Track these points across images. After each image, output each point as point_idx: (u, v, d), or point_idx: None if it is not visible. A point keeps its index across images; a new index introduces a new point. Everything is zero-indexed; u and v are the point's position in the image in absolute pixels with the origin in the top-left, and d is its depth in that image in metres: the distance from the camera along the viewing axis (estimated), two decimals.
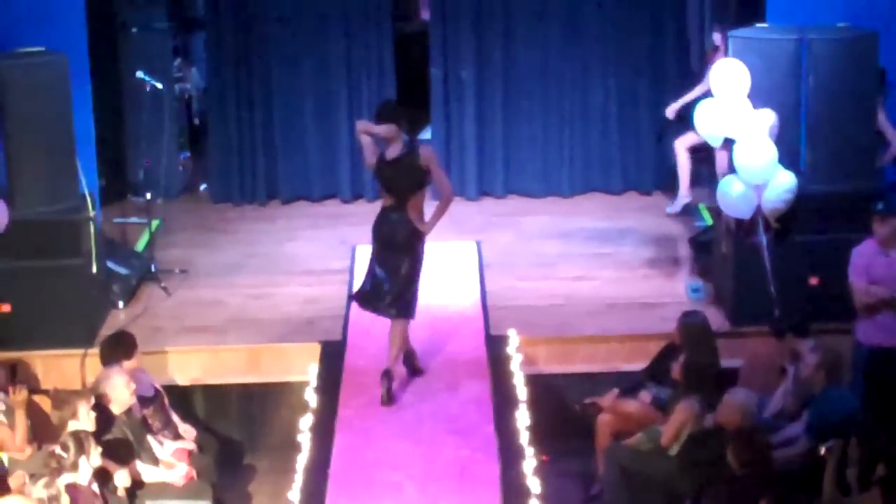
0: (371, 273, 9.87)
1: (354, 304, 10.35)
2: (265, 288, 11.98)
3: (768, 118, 10.48)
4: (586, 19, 13.96)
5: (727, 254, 10.98)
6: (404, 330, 9.91)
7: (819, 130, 10.47)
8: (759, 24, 11.64)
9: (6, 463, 9.44)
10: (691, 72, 15.84)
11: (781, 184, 10.39)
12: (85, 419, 8.90)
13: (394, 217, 9.70)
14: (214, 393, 10.79)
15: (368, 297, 9.89)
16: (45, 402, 10.08)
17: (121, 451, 9.09)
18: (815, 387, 9.25)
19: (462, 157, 14.18)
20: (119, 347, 9.77)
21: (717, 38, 13.16)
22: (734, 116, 10.41)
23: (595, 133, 14.19)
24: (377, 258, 9.83)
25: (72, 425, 8.84)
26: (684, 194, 13.51)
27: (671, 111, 13.33)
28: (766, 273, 10.49)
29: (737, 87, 10.44)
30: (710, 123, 10.68)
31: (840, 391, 9.29)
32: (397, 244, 9.72)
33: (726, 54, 12.74)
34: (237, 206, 14.29)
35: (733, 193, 10.46)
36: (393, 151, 9.65)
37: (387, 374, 9.77)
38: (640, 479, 9.40)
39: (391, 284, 9.77)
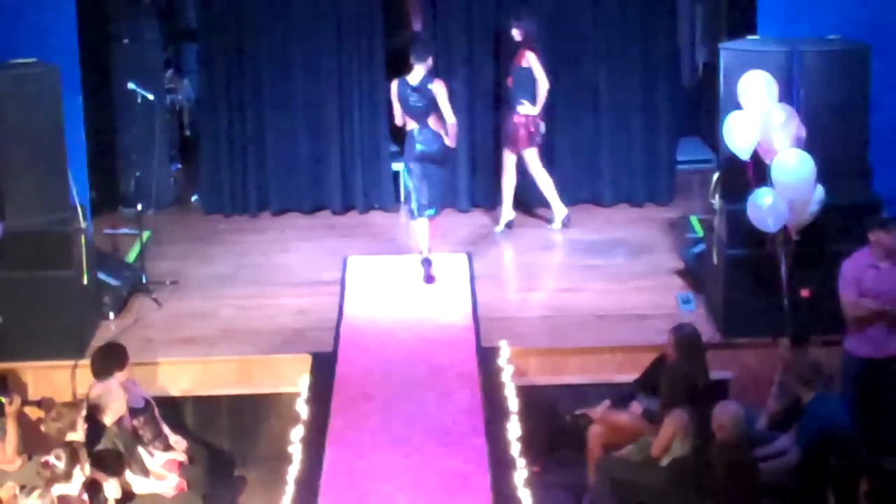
0: (416, 189, 12.00)
1: (346, 316, 10.94)
2: (256, 299, 11.96)
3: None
4: (577, 33, 13.97)
5: (718, 266, 10.98)
6: (436, 224, 12.14)
7: (810, 142, 10.45)
8: (750, 37, 11.65)
9: None
10: (682, 85, 15.90)
11: (813, 197, 10.35)
12: (78, 430, 8.91)
13: (426, 133, 11.89)
14: (205, 404, 10.77)
15: (421, 209, 11.99)
16: (34, 413, 10.06)
17: (111, 462, 9.06)
18: (803, 396, 9.23)
19: (453, 169, 14.15)
20: (112, 359, 9.75)
21: (515, 33, 13.09)
22: (768, 128, 10.33)
23: (586, 145, 14.20)
24: (418, 173, 11.97)
25: (70, 437, 8.84)
26: (509, 209, 13.61)
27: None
28: (781, 285, 10.46)
29: (768, 98, 10.39)
30: (741, 135, 10.48)
31: (829, 402, 9.27)
32: (434, 155, 11.91)
33: (530, 48, 12.80)
34: (228, 218, 14.28)
35: (765, 206, 10.26)
36: (415, 78, 11.81)
37: (427, 260, 12.01)
38: (630, 490, 9.40)
39: (430, 190, 11.94)
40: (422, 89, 11.83)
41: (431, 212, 12.00)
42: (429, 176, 11.97)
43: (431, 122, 11.92)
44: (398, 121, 12.10)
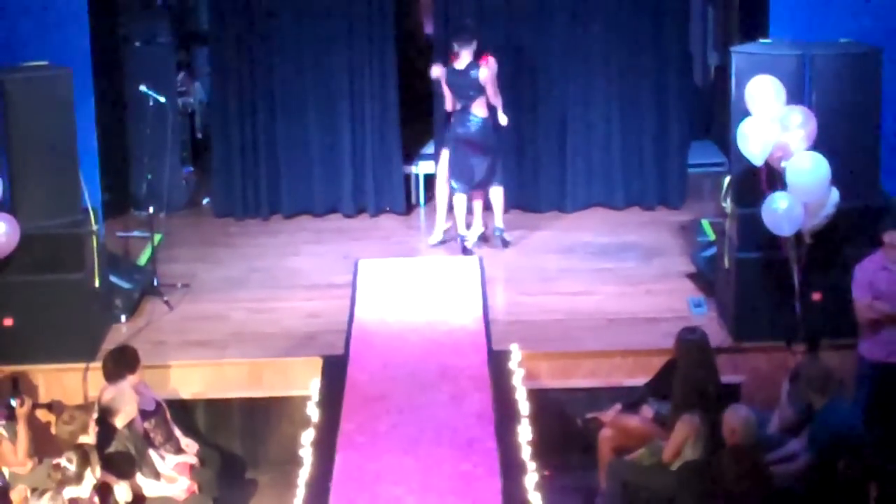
0: (461, 165, 12.65)
1: (357, 319, 10.95)
2: (267, 302, 11.97)
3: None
4: (589, 36, 13.97)
5: (730, 269, 10.97)
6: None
7: (822, 146, 10.43)
8: (762, 40, 11.64)
9: (7, 477, 9.43)
10: (695, 87, 15.90)
11: (828, 199, 10.33)
12: (90, 432, 8.92)
13: (466, 116, 12.47)
14: (216, 407, 10.79)
15: (468, 181, 12.71)
16: (45, 416, 10.08)
17: (122, 464, 9.09)
18: (816, 402, 9.21)
19: None
20: (123, 362, 9.77)
21: (455, 46, 12.64)
22: (787, 130, 10.29)
23: (597, 148, 14.19)
24: (461, 153, 12.62)
25: (82, 440, 8.85)
26: (445, 221, 13.31)
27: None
28: (793, 288, 10.43)
29: (776, 103, 10.36)
30: (757, 141, 10.38)
31: (842, 407, 9.25)
32: (471, 138, 12.50)
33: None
34: (240, 221, 14.30)
35: (781, 210, 10.20)
36: (461, 64, 12.40)
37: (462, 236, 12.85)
38: (641, 494, 9.40)
39: (464, 172, 12.63)
40: (466, 74, 12.40)
41: (486, 183, 12.77)
42: (465, 159, 12.61)
43: (476, 107, 12.43)
44: (449, 106, 12.68)
